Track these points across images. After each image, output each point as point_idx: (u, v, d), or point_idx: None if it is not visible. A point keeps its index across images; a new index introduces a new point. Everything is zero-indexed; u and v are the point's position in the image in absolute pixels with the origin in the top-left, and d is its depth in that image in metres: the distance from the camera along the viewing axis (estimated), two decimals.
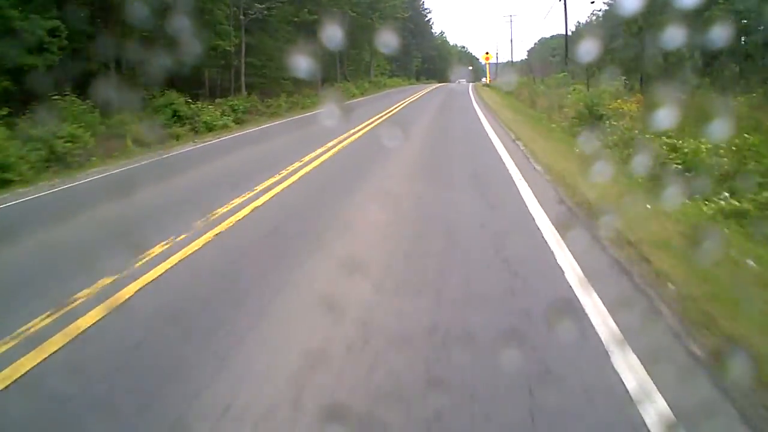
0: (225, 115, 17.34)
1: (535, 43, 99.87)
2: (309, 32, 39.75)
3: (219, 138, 14.58)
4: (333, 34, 40.31)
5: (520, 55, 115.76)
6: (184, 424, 2.40)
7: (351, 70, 50.48)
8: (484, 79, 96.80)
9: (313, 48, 35.95)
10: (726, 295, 3.40)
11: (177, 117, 16.08)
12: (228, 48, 24.09)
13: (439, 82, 78.66)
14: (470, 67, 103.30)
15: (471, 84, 72.81)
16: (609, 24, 37.52)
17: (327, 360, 2.80)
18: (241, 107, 19.51)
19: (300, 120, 19.90)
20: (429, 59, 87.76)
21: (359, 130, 13.35)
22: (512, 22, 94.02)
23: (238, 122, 19.14)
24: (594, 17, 50.80)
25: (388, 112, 19.43)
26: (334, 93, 34.20)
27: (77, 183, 8.69)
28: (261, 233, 5.18)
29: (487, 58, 45.73)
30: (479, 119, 15.53)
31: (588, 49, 30.72)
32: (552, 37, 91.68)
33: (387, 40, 44.53)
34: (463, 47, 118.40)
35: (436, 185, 7.09)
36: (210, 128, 15.89)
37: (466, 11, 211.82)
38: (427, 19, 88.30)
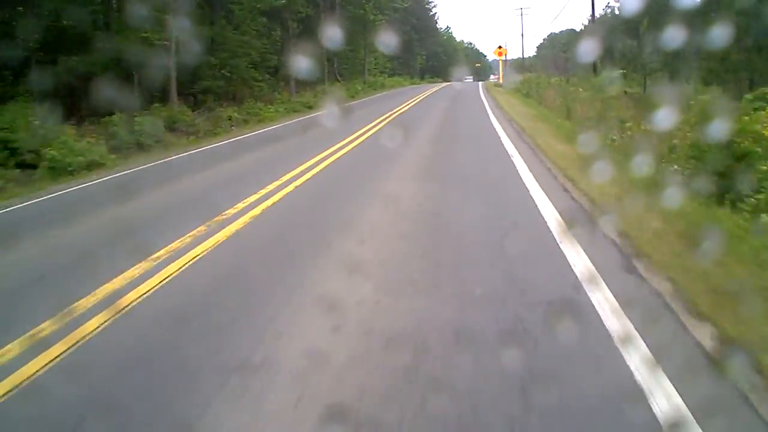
0: (101, 143, 10.98)
1: (544, 39, 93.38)
2: (287, 25, 33.50)
3: (43, 195, 8.21)
4: (317, 26, 34.30)
5: (527, 51, 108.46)
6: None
7: (345, 69, 44.29)
8: (493, 77, 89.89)
9: (294, 44, 29.66)
10: None
11: (10, 151, 9.81)
12: (158, 42, 17.92)
13: (446, 81, 72.64)
14: (477, 65, 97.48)
15: (480, 83, 66.70)
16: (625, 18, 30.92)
17: None
18: (149, 126, 13.20)
19: (233, 145, 13.58)
20: (434, 56, 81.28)
21: (294, 179, 7.09)
22: (523, 15, 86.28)
23: (144, 149, 12.91)
24: (609, 9, 45.08)
25: (367, 132, 13.07)
26: (313, 98, 27.89)
27: None
28: None
29: (500, 53, 38.38)
30: (510, 158, 8.84)
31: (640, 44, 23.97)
32: (561, 32, 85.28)
33: (384, 34, 38.18)
34: (470, 43, 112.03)
35: None
36: (59, 169, 9.54)
37: (473, 5, 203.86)
38: (432, 13, 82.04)
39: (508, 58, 47.37)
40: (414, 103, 24.85)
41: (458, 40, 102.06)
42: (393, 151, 9.93)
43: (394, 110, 20.12)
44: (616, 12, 37.34)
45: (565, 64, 46.71)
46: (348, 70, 43.91)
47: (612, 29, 34.33)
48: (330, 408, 2.33)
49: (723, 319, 2.83)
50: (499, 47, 37.51)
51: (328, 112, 19.54)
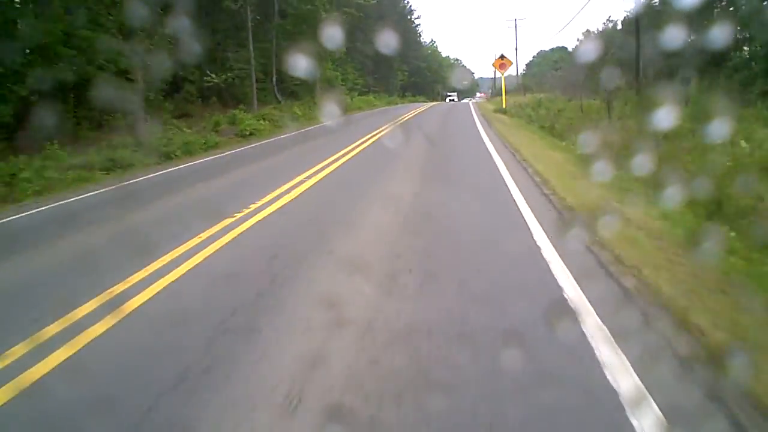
0: None
1: (533, 56, 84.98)
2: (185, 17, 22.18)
3: None
4: (245, 25, 23.00)
5: (512, 70, 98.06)
6: None
7: (296, 86, 33.03)
8: (479, 95, 79.22)
9: (155, 42, 17.92)
10: None
11: None
12: None
13: (430, 100, 61.86)
14: (465, 82, 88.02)
15: (469, 101, 55.95)
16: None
17: None
18: None
19: None
20: (417, 72, 70.60)
21: None
22: (517, 26, 75.95)
23: None
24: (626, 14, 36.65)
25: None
26: (201, 136, 16.38)
27: None
28: None
29: (502, 66, 26.43)
30: None
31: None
32: (552, 50, 76.20)
33: (336, 34, 26.87)
34: (457, 59, 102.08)
35: None
36: None
37: (459, 19, 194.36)
38: (414, 25, 71.62)
39: (499, 75, 35.71)
40: (358, 151, 13.29)
41: (444, 55, 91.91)
42: None
43: (306, 177, 8.59)
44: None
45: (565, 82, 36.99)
46: (299, 86, 32.65)
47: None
48: None
49: None
50: (501, 57, 26.16)
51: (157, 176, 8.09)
